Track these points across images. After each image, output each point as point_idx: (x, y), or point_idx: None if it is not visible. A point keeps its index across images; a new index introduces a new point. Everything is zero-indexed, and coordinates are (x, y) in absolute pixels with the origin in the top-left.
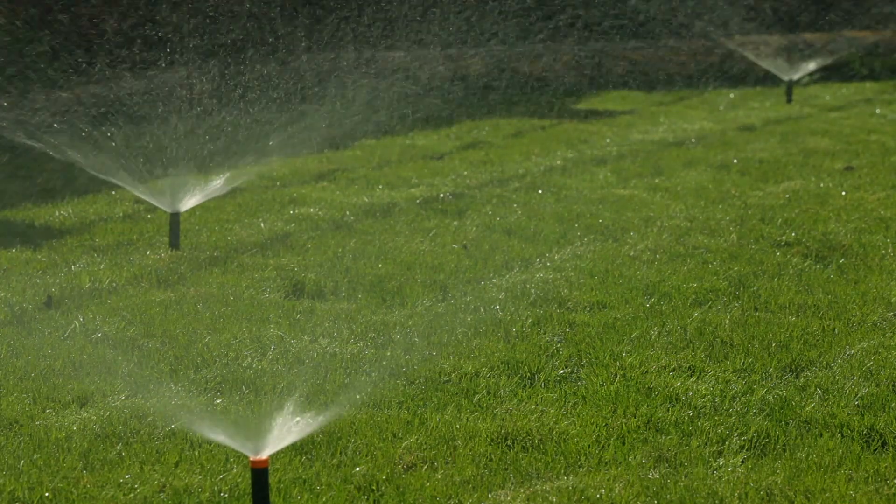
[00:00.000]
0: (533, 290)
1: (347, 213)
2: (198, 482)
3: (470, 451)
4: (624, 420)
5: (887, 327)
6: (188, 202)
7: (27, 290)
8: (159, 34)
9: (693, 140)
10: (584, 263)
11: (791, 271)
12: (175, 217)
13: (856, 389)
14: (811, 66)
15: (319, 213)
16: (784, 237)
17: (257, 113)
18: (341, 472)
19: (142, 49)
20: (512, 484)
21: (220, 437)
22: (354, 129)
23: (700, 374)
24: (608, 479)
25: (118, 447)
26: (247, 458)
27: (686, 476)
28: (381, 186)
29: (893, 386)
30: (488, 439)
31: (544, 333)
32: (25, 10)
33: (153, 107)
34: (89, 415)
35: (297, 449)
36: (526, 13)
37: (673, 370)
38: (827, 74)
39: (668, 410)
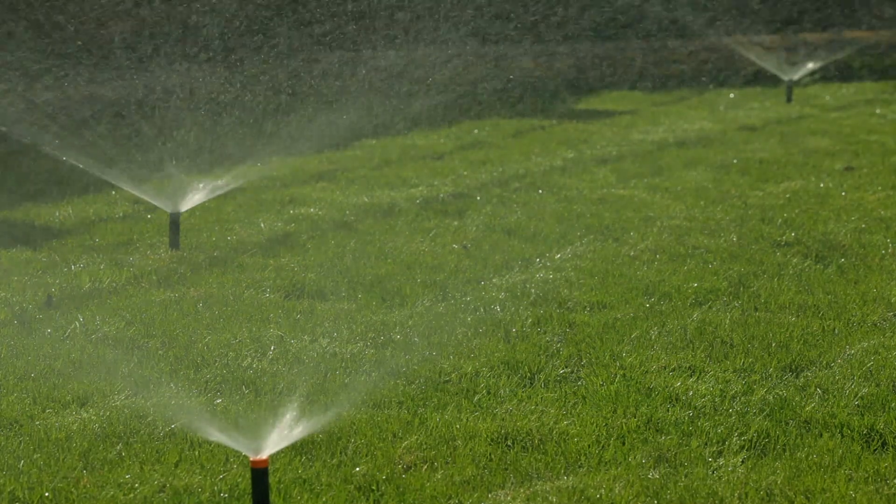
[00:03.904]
0: (533, 290)
1: (347, 213)
2: (198, 482)
3: (470, 451)
4: (624, 420)
5: (887, 327)
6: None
7: (27, 290)
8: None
9: (693, 140)
10: (584, 263)
11: (791, 271)
12: (175, 217)
13: (856, 389)
14: (811, 66)
15: (319, 213)
16: (784, 237)
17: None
18: (341, 472)
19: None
20: (512, 484)
21: (219, 437)
22: (356, 129)
23: (700, 374)
24: (608, 479)
25: (118, 447)
26: (247, 457)
27: (686, 476)
28: (381, 186)
29: (893, 386)
30: (488, 439)
31: (544, 333)
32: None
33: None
34: (89, 415)
35: (297, 449)
36: (527, 13)
37: (673, 370)
38: (827, 74)
39: (668, 410)
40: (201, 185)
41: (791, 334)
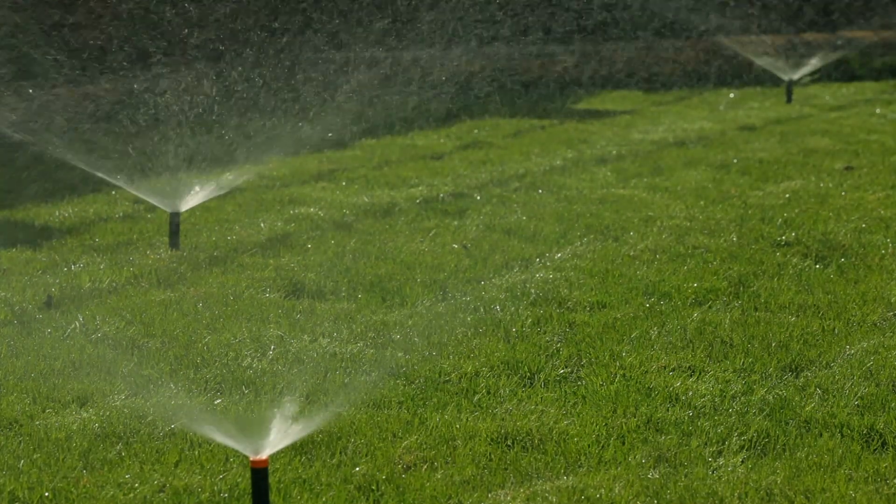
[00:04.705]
0: (533, 290)
1: (347, 213)
2: (198, 482)
3: (470, 451)
4: (624, 420)
5: (887, 327)
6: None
7: (27, 290)
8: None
9: (693, 140)
10: (584, 263)
11: (791, 271)
12: (175, 217)
13: (856, 389)
14: (811, 66)
15: (319, 213)
16: (784, 237)
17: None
18: (341, 472)
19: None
20: (512, 484)
21: (219, 437)
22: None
23: (700, 374)
24: (608, 479)
25: (118, 447)
26: (247, 457)
27: (686, 476)
28: (380, 186)
29: (893, 386)
30: (488, 439)
31: (544, 333)
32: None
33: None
34: (89, 415)
35: (297, 449)
36: (526, 13)
37: (673, 370)
38: (827, 74)
39: (668, 410)
40: (200, 186)
41: (791, 334)
